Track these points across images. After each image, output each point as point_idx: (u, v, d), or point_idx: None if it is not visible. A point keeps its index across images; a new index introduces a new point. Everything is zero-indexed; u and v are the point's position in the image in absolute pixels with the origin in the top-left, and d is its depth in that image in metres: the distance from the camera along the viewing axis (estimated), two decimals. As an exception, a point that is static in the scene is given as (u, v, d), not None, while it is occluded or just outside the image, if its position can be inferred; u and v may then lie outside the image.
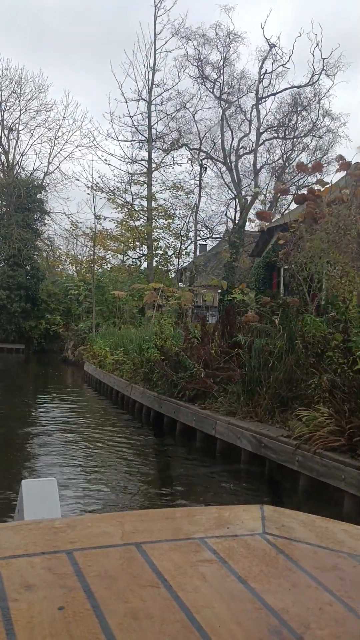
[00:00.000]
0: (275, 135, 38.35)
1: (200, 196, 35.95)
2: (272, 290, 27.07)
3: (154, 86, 35.35)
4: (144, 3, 59.50)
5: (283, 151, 37.70)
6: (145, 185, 35.62)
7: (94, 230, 29.38)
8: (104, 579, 0.98)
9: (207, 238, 37.85)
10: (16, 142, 38.92)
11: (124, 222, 35.41)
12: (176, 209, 35.67)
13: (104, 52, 58.69)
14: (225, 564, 1.07)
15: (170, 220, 35.42)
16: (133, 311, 27.60)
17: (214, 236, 37.93)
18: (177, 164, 36.24)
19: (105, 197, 34.54)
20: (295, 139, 37.88)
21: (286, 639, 0.85)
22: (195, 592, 0.97)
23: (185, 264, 36.79)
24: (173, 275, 35.70)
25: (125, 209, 35.33)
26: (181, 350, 10.49)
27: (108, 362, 15.46)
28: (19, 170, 38.98)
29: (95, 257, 30.64)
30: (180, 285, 32.40)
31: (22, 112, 38.89)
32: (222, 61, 37.11)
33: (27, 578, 0.96)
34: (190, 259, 37.04)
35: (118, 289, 28.09)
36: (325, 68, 34.94)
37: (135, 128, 34.99)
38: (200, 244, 37.74)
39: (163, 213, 35.41)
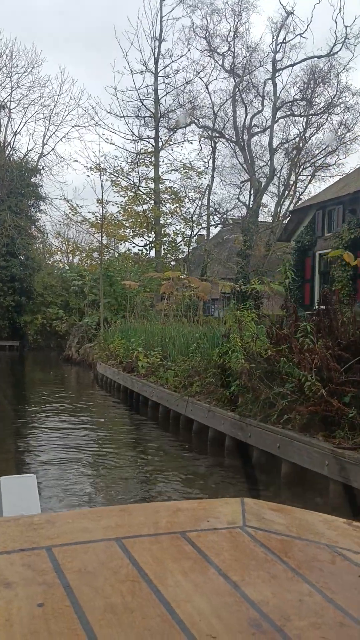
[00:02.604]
0: (291, 112, 35.20)
1: (213, 177, 32.71)
2: (305, 278, 24.10)
3: (160, 57, 32.08)
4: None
5: (304, 127, 34.45)
6: (151, 167, 32.43)
7: (101, 214, 26.13)
8: (84, 575, 0.99)
9: (219, 224, 34.62)
10: (8, 121, 35.45)
11: (129, 208, 32.15)
12: (187, 191, 32.42)
13: (106, 25, 54.79)
14: (205, 557, 1.08)
15: (180, 204, 32.19)
16: (145, 304, 24.43)
17: (226, 221, 34.65)
18: (188, 140, 32.82)
19: (107, 179, 31.28)
20: (313, 116, 34.75)
21: (266, 631, 0.87)
22: (175, 586, 0.97)
23: (182, 255, 33.60)
24: (172, 264, 32.44)
25: (130, 192, 32.07)
26: (277, 354, 7.38)
27: (141, 365, 12.33)
28: (11, 152, 35.58)
29: (104, 243, 27.36)
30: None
31: (13, 88, 35.48)
32: (232, 32, 33.91)
33: (6, 575, 0.96)
34: (193, 247, 33.89)
35: (128, 279, 24.87)
36: (347, 37, 31.86)
37: (141, 102, 31.71)
38: (189, 233, 34.37)
39: (173, 196, 32.15)
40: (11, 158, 34.98)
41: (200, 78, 33.36)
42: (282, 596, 0.97)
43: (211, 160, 34.09)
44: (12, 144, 35.98)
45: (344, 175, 34.73)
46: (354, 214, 20.66)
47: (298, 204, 35.25)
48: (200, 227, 33.44)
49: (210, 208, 32.91)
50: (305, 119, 34.97)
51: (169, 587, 0.97)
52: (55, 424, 11.20)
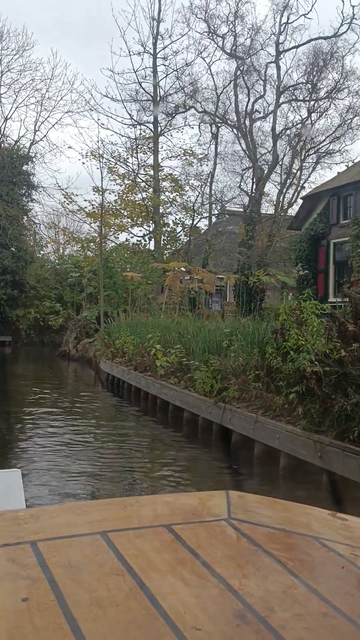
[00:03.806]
0: (294, 97, 33.71)
1: (215, 163, 31.17)
2: (318, 269, 22.72)
3: (159, 37, 30.49)
4: None
5: (308, 112, 32.97)
6: (150, 153, 30.86)
7: (100, 201, 24.53)
8: (69, 569, 0.99)
9: (220, 214, 33.11)
10: (-2, 107, 33.75)
11: (126, 197, 30.56)
12: (188, 179, 30.89)
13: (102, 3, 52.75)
14: (190, 550, 1.08)
15: (180, 192, 30.66)
16: (148, 296, 22.99)
17: (225, 210, 33.16)
18: (189, 125, 31.19)
19: (104, 167, 29.66)
20: (316, 101, 33.27)
21: (250, 622, 0.87)
22: (160, 579, 0.98)
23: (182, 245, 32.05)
24: (169, 255, 30.89)
25: (128, 179, 30.50)
26: (351, 355, 5.96)
27: (159, 365, 10.88)
28: (1, 139, 33.86)
29: (103, 232, 25.78)
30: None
31: (3, 72, 33.74)
32: (233, 13, 32.33)
33: None
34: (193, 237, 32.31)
35: (129, 270, 23.39)
36: (355, 17, 30.40)
37: (139, 84, 30.11)
38: (190, 223, 32.71)
39: (173, 184, 30.61)
40: (2, 145, 33.32)
41: (203, 58, 31.92)
42: (267, 588, 0.99)
43: (212, 147, 32.56)
44: (2, 130, 34.32)
45: (349, 162, 33.46)
46: (374, 200, 19.32)
47: (302, 192, 33.90)
48: (201, 216, 31.93)
49: (213, 196, 31.39)
50: (308, 104, 33.54)
51: (154, 580, 0.97)
52: (63, 437, 9.75)
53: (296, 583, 1.01)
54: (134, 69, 30.63)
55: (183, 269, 22.07)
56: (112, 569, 1.00)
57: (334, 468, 5.87)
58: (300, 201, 33.36)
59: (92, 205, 29.07)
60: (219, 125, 32.00)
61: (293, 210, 34.91)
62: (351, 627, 0.90)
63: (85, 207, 30.05)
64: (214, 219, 32.83)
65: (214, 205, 31.70)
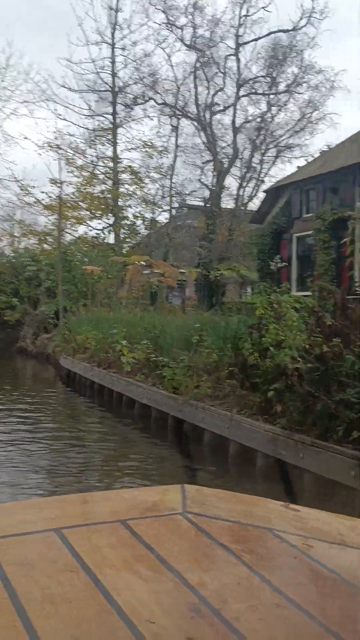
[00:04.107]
0: (254, 90, 33.57)
1: (176, 156, 30.77)
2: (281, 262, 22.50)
3: (117, 27, 29.88)
4: None
5: (267, 106, 32.89)
6: (108, 145, 30.24)
7: (59, 193, 23.82)
8: (22, 567, 0.98)
9: (181, 207, 32.76)
10: None
11: (84, 189, 29.85)
12: (148, 171, 30.41)
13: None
14: (145, 545, 1.08)
15: (140, 184, 30.16)
16: (108, 290, 22.50)
17: (188, 204, 32.83)
18: (149, 116, 30.69)
19: (62, 158, 28.91)
20: (276, 95, 33.20)
21: (204, 615, 0.87)
22: (115, 574, 0.98)
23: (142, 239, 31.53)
24: (129, 248, 30.38)
25: (86, 171, 29.84)
26: (333, 350, 5.71)
27: (125, 361, 10.47)
28: None
29: (61, 225, 25.07)
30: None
31: None
32: (192, 4, 31.91)
33: None
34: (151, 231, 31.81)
35: (89, 264, 22.84)
36: (314, 10, 30.43)
37: (97, 74, 29.44)
38: (150, 216, 32.23)
39: (132, 177, 30.10)
40: None
41: (163, 49, 31.47)
42: (221, 580, 1.00)
43: (172, 139, 32.14)
44: None
45: (309, 156, 33.56)
46: (336, 194, 19.27)
47: (262, 186, 33.87)
48: (161, 209, 31.52)
49: (173, 189, 30.99)
50: (268, 97, 33.45)
51: (108, 575, 0.97)
52: (28, 434, 9.27)
53: (250, 575, 1.01)
54: (92, 59, 29.92)
55: (144, 262, 21.66)
56: (65, 566, 0.99)
57: (316, 469, 5.62)
58: (260, 195, 33.32)
59: (50, 197, 28.34)
60: (179, 117, 31.60)
61: (253, 204, 34.89)
62: (303, 617, 0.91)
63: (43, 200, 29.30)
64: (174, 212, 32.44)
65: (174, 199, 31.31)
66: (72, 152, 28.62)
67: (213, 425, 7.48)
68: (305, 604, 0.94)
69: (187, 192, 32.52)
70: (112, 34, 29.70)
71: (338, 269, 19.05)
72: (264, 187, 33.59)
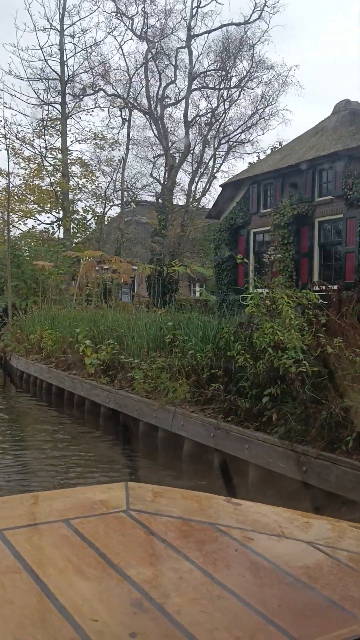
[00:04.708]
0: (205, 84, 33.05)
1: (128, 148, 29.93)
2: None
3: (66, 14, 28.78)
4: None
5: (218, 101, 32.44)
6: (56, 136, 29.10)
7: (7, 185, 22.49)
8: None
9: (131, 202, 31.95)
10: None
11: (31, 182, 28.63)
12: (99, 164, 29.46)
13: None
14: (88, 543, 1.08)
15: (91, 177, 29.19)
16: (60, 287, 21.53)
17: (140, 199, 32.06)
18: (99, 107, 29.73)
19: (6, 149, 27.61)
20: (227, 89, 32.78)
21: (148, 610, 0.89)
22: (58, 574, 0.97)
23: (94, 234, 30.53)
24: (76, 244, 29.39)
25: (34, 163, 28.62)
26: (335, 353, 5.14)
27: (89, 363, 9.69)
28: None
29: (9, 219, 23.79)
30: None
31: None
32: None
33: None
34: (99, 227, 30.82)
35: (39, 259, 21.78)
36: (267, 4, 30.16)
37: (45, 61, 28.27)
38: (101, 211, 31.27)
39: (83, 170, 29.08)
40: None
41: (115, 37, 30.53)
42: (163, 575, 1.02)
43: (123, 131, 31.29)
44: None
45: (261, 152, 33.33)
46: (295, 188, 18.92)
47: (214, 181, 33.47)
48: (112, 204, 30.64)
49: (125, 183, 30.14)
50: (218, 92, 33.00)
51: (50, 575, 0.96)
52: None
53: (192, 568, 1.04)
54: (40, 46, 28.71)
55: (97, 258, 20.82)
56: (7, 567, 0.98)
57: (323, 483, 5.05)
58: (212, 191, 32.88)
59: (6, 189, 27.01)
60: (130, 109, 30.78)
61: (206, 200, 34.46)
62: (244, 608, 0.93)
63: (-12, 192, 27.90)
64: (126, 207, 31.62)
65: (126, 193, 30.48)
66: (19, 142, 27.34)
67: (194, 434, 6.83)
68: (246, 595, 0.96)
69: (139, 187, 31.78)
70: (61, 19, 28.60)
71: (297, 265, 18.72)
72: (216, 182, 33.26)
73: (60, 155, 28.45)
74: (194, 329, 8.03)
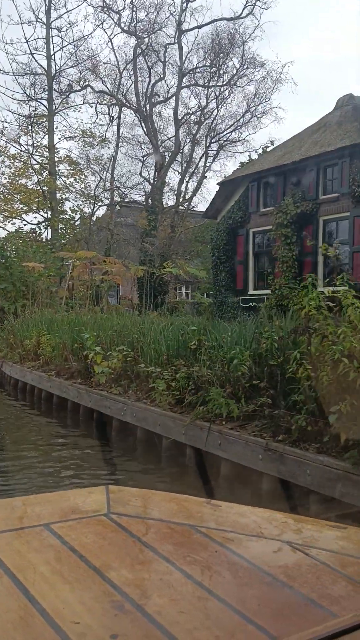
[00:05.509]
0: (195, 82, 32.27)
1: (118, 146, 29.01)
2: (236, 260, 21.27)
3: (52, 7, 27.81)
4: None
5: (208, 99, 31.69)
6: (43, 134, 28.12)
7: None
8: None
9: (122, 201, 31.03)
10: None
11: (17, 181, 27.60)
12: (88, 163, 28.50)
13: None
14: (69, 547, 1.08)
15: (79, 176, 28.23)
16: (51, 289, 20.55)
17: (130, 200, 31.15)
18: (88, 103, 28.81)
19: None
20: (218, 87, 32.03)
21: (128, 611, 0.88)
22: (39, 578, 0.97)
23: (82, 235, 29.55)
24: (64, 244, 28.43)
25: (19, 161, 27.58)
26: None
27: (99, 371, 8.79)
28: None
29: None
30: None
31: None
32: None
33: None
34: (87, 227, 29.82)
35: (29, 260, 20.79)
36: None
37: (32, 56, 27.28)
38: (89, 211, 30.34)
39: (70, 168, 28.11)
40: None
41: (104, 30, 29.70)
42: (144, 577, 1.01)
43: (112, 129, 30.39)
44: None
45: (252, 151, 32.66)
46: (298, 186, 18.19)
47: (204, 181, 32.70)
48: (101, 204, 29.69)
49: (115, 182, 29.22)
50: (207, 90, 32.24)
51: (32, 579, 0.96)
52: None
53: (172, 570, 1.03)
54: (25, 39, 27.71)
55: (91, 259, 19.91)
56: None
57: None
58: (203, 190, 32.10)
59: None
60: (119, 105, 29.88)
61: (197, 200, 33.70)
62: (223, 608, 0.93)
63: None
64: (116, 207, 30.71)
65: (115, 193, 29.56)
66: (4, 139, 26.31)
67: (236, 454, 5.98)
68: (226, 595, 0.96)
69: (128, 186, 30.88)
70: (47, 12, 27.62)
71: (301, 264, 17.98)
72: (207, 182, 32.49)
73: (47, 153, 27.45)
74: (225, 335, 7.19)
